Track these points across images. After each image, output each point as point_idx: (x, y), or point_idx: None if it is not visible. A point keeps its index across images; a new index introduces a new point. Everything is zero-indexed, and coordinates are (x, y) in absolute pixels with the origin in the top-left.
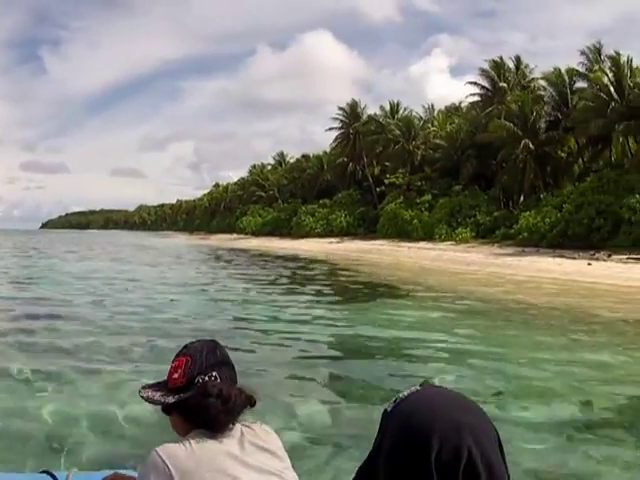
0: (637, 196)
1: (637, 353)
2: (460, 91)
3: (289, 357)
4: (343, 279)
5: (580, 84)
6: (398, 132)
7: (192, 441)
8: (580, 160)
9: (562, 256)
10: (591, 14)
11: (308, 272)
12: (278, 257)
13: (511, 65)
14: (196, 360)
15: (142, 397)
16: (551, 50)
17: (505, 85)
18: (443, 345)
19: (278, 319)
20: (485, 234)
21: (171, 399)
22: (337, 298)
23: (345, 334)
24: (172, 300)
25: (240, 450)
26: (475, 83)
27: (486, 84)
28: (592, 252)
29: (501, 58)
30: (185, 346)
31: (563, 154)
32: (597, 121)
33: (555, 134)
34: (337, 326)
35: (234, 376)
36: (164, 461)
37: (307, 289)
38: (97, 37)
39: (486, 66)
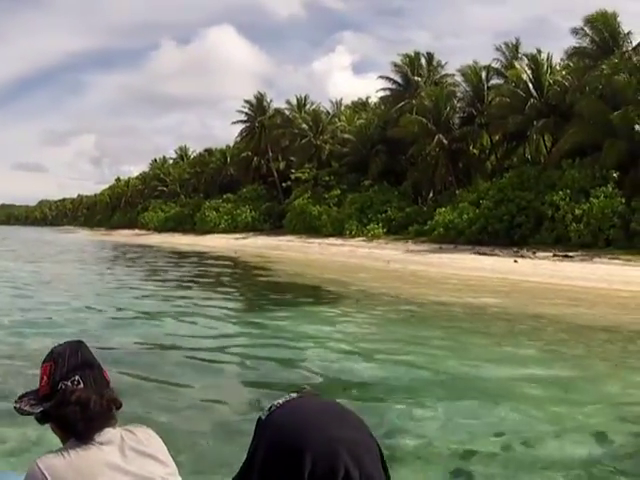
0: (560, 193)
1: None
2: (362, 88)
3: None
4: (263, 280)
5: (495, 81)
6: (305, 126)
7: (71, 450)
8: (493, 157)
9: (483, 253)
10: (497, 14)
11: (219, 270)
12: (185, 254)
13: (422, 61)
14: (58, 365)
15: (14, 408)
16: (456, 49)
17: (419, 79)
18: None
19: (188, 335)
20: (397, 230)
21: (38, 409)
22: (260, 304)
23: (275, 357)
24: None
25: (121, 457)
26: (387, 78)
27: (398, 79)
28: (515, 249)
29: (417, 53)
30: (51, 350)
31: (475, 150)
32: (515, 117)
33: (469, 130)
34: (262, 345)
35: (100, 378)
36: (43, 472)
37: (221, 293)
38: (0, 30)
39: (399, 60)
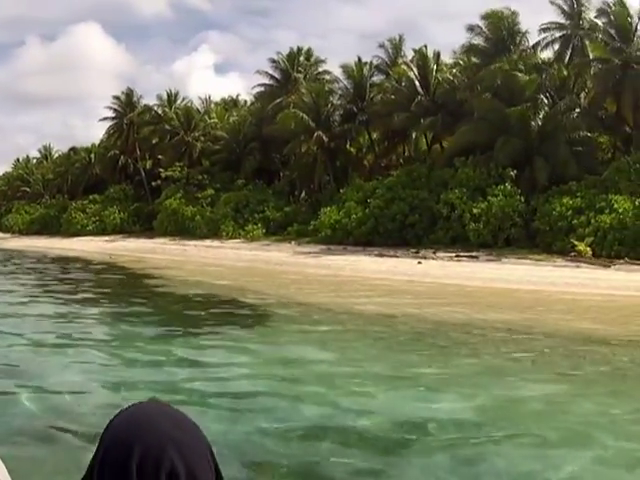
0: (456, 191)
1: None
2: (224, 88)
3: None
4: (161, 291)
5: (379, 77)
6: (176, 122)
7: None
8: (370, 155)
9: (381, 254)
10: (362, 16)
11: (103, 279)
12: (59, 260)
13: (302, 58)
14: None
15: None
16: (322, 49)
17: (299, 75)
18: None
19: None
20: (276, 230)
21: None
22: (175, 328)
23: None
24: None
25: None
26: (265, 73)
27: (276, 74)
28: (414, 250)
29: (298, 48)
30: None
31: (353, 149)
32: (400, 115)
33: (350, 127)
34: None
35: None
36: None
37: (117, 310)
38: None
39: (277, 56)
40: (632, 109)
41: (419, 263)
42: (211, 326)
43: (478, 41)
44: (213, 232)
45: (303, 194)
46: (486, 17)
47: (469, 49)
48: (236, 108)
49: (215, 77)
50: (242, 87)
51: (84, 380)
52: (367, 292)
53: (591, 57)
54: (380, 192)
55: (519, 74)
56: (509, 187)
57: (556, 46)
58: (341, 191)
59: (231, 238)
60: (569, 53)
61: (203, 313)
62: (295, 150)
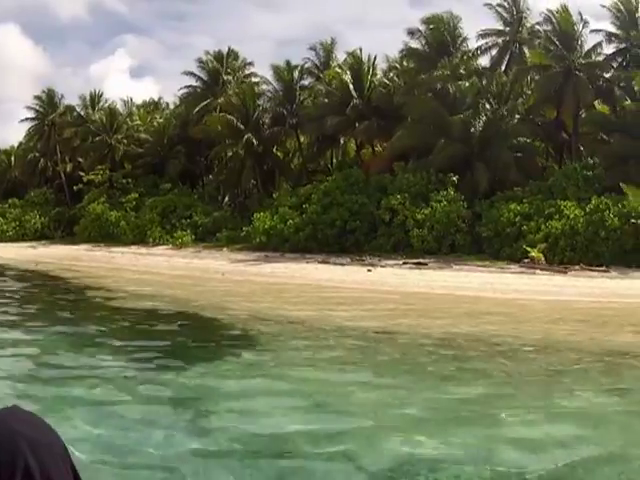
0: (398, 196)
1: None
2: (139, 92)
3: None
4: (113, 306)
5: (308, 81)
6: (100, 124)
7: None
8: (297, 159)
9: (325, 262)
10: (280, 22)
11: (37, 292)
12: None
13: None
14: None
15: None
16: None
17: (228, 77)
18: None
19: None
20: (204, 237)
21: None
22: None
23: None
24: None
25: None
26: (193, 74)
27: (204, 76)
28: (358, 257)
29: (231, 50)
30: None
31: (280, 153)
32: (333, 118)
33: (280, 130)
34: None
35: None
36: None
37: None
38: None
39: (205, 57)
40: (573, 116)
41: (369, 271)
42: (205, 351)
43: (418, 45)
44: (139, 238)
45: (226, 199)
46: (427, 21)
47: (409, 53)
48: (158, 111)
49: (130, 81)
50: (156, 92)
51: None
52: (339, 304)
53: (530, 64)
54: (316, 197)
55: (460, 79)
56: (452, 192)
57: (493, 52)
58: (274, 196)
59: (158, 245)
60: (507, 59)
61: (187, 338)
62: (221, 153)
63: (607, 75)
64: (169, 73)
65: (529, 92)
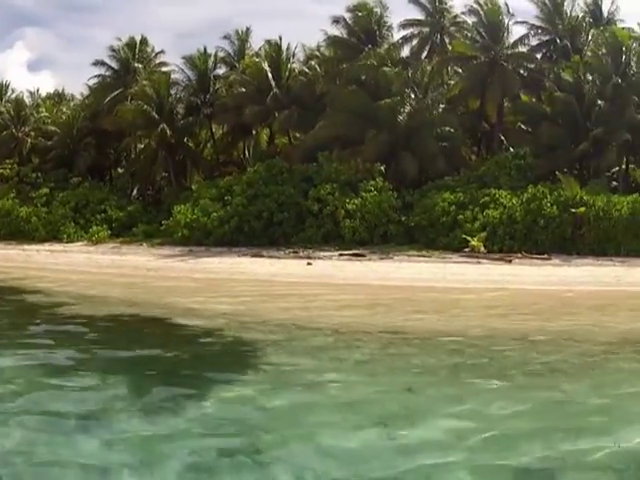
0: (327, 187)
1: None
2: (37, 85)
3: None
4: (70, 314)
5: (222, 70)
6: (7, 116)
7: None
8: (211, 150)
9: (259, 255)
10: (180, 15)
11: None
12: None
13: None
14: None
15: None
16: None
17: (139, 66)
18: None
19: None
20: (120, 232)
21: None
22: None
23: None
24: None
25: None
26: (103, 63)
27: (114, 65)
28: (292, 250)
29: (144, 38)
30: None
31: (191, 143)
32: (252, 108)
33: (194, 121)
34: None
35: None
36: None
37: None
38: None
39: (117, 45)
40: (497, 106)
41: (309, 264)
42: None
43: (341, 33)
44: (52, 235)
45: (135, 192)
46: (352, 9)
47: (332, 41)
48: (64, 102)
49: (28, 75)
50: (54, 85)
51: None
52: (302, 301)
53: (453, 54)
54: (239, 189)
55: (386, 68)
56: (381, 182)
57: (414, 42)
58: (193, 187)
59: (72, 241)
60: (427, 50)
61: (180, 351)
62: (133, 145)
63: (532, 66)
64: (68, 66)
65: (452, 82)
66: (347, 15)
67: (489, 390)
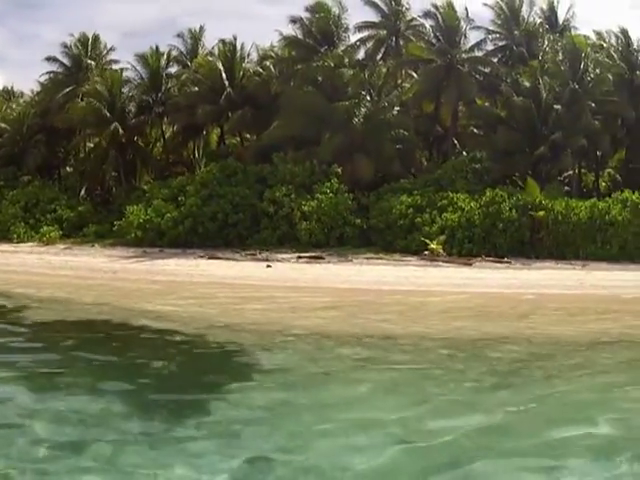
0: (283, 188)
1: None
2: None
3: None
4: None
5: (175, 69)
6: None
7: None
8: (160, 149)
9: (215, 257)
10: (127, 13)
11: None
12: None
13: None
14: None
15: None
16: None
17: (92, 63)
18: None
19: None
20: (70, 232)
21: None
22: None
23: None
24: None
25: None
26: (55, 59)
27: (66, 62)
28: (250, 252)
29: (96, 35)
30: None
31: (142, 143)
32: (206, 107)
33: (146, 120)
34: None
35: None
36: None
37: None
38: None
39: (70, 41)
40: (452, 110)
41: (268, 267)
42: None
43: (298, 33)
44: (2, 235)
45: (83, 192)
46: (311, 10)
47: (288, 42)
48: (15, 99)
49: None
50: (3, 82)
51: None
52: (275, 305)
53: (408, 58)
54: (192, 189)
55: (344, 69)
56: (337, 184)
57: (369, 44)
58: (145, 188)
59: (23, 241)
60: (382, 52)
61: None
62: (82, 143)
63: (488, 70)
64: (17, 63)
65: (407, 85)
66: (305, 15)
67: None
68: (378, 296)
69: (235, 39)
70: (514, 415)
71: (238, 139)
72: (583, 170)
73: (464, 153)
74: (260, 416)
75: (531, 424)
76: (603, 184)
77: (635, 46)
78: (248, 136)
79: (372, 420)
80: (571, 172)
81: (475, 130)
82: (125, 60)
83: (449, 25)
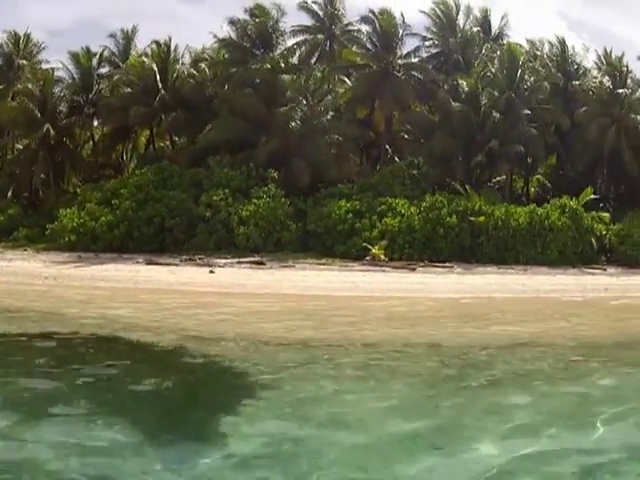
0: (219, 192)
1: None
2: None
3: None
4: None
5: (107, 69)
6: None
7: None
8: (93, 152)
9: (156, 263)
10: (50, 13)
11: None
12: None
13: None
14: None
15: None
16: None
17: (24, 62)
18: None
19: None
20: (1, 236)
21: None
22: None
23: None
24: None
25: None
26: None
27: None
28: (188, 257)
29: (28, 34)
30: None
31: (71, 145)
32: (139, 109)
33: (76, 121)
34: None
35: None
36: None
37: None
38: None
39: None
40: (386, 115)
41: (211, 272)
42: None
43: (233, 36)
44: None
45: (10, 194)
46: (250, 12)
47: (224, 44)
48: None
49: None
50: None
51: None
52: (234, 312)
53: (343, 62)
54: (127, 192)
55: (285, 75)
56: (274, 189)
57: (304, 48)
58: (78, 190)
59: None
60: (316, 56)
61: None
62: (11, 144)
63: (422, 77)
64: None
65: (340, 90)
66: (243, 17)
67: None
68: (334, 302)
69: (170, 40)
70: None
71: (168, 142)
72: (513, 176)
73: (396, 159)
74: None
75: None
76: (532, 190)
77: (571, 55)
78: (177, 139)
79: None
80: (502, 177)
81: (405, 136)
82: (53, 59)
83: (386, 31)
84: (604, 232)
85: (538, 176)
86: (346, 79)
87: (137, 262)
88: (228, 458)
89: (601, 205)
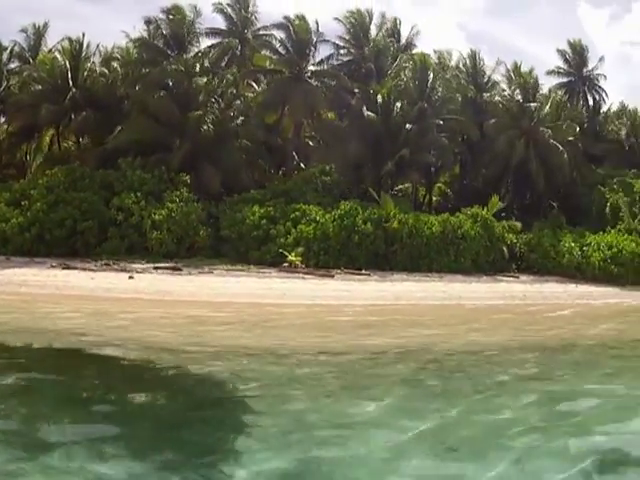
0: (132, 195)
1: None
2: None
3: None
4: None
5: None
6: None
7: None
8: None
9: (72, 267)
10: None
11: None
12: None
13: None
14: None
15: None
16: None
17: None
18: None
19: None
20: None
21: None
22: None
23: None
24: None
25: None
26: None
27: None
28: (104, 261)
29: None
30: None
31: None
32: (49, 108)
33: None
34: None
35: None
36: None
37: None
38: None
39: None
40: (296, 121)
41: (131, 277)
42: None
43: (147, 36)
44: None
45: None
46: (167, 12)
47: (137, 43)
48: None
49: None
50: None
51: None
52: (172, 320)
53: (254, 67)
54: (37, 194)
55: (199, 79)
56: (186, 193)
57: (215, 51)
58: None
59: None
60: (226, 60)
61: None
62: None
63: (334, 84)
64: None
65: (250, 95)
66: (159, 17)
67: None
68: (262, 309)
69: (83, 36)
70: None
71: (73, 142)
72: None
73: (302, 165)
74: None
75: None
76: (434, 198)
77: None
78: (81, 140)
79: None
80: (405, 186)
81: (310, 143)
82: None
83: (300, 37)
84: (514, 241)
85: (439, 185)
86: (254, 84)
87: (52, 266)
88: None
89: (503, 215)
